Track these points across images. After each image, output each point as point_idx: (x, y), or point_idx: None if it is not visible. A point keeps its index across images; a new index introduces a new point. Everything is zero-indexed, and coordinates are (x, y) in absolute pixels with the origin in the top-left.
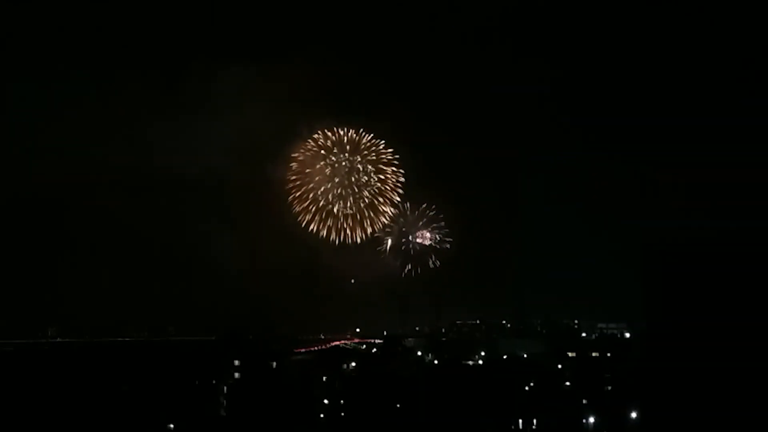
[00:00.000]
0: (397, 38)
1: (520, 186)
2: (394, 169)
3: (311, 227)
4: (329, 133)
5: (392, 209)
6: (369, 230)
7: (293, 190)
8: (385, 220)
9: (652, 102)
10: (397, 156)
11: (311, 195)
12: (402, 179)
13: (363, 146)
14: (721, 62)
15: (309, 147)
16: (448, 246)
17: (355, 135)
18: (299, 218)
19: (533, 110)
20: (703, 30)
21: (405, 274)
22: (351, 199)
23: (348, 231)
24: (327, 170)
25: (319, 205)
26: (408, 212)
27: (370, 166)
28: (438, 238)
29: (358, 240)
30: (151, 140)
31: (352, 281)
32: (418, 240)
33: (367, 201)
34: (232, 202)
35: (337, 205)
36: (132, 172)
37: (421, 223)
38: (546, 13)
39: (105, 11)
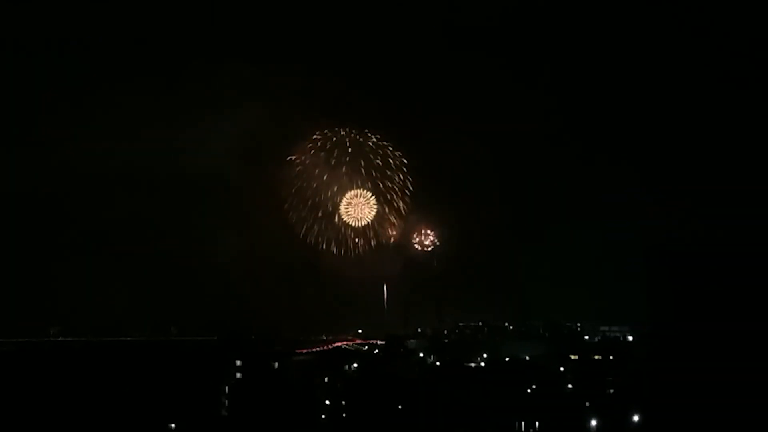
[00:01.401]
0: (397, 38)
1: (523, 188)
2: (401, 175)
3: (309, 239)
4: (329, 133)
5: (397, 219)
6: (373, 242)
7: (291, 198)
8: (390, 233)
9: (653, 102)
10: (404, 161)
11: (309, 202)
12: (411, 187)
13: (368, 149)
14: (725, 65)
15: (309, 149)
16: (438, 243)
17: (359, 137)
18: (297, 228)
19: (535, 110)
20: (702, 32)
21: (407, 276)
22: (352, 210)
23: (349, 242)
24: (325, 176)
25: (318, 215)
26: (409, 215)
27: (374, 172)
28: (437, 242)
29: (361, 252)
30: (152, 140)
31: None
32: (417, 247)
33: (373, 210)
34: (233, 202)
35: (336, 216)
36: (133, 172)
37: (420, 229)
38: (547, 13)
39: (107, 11)
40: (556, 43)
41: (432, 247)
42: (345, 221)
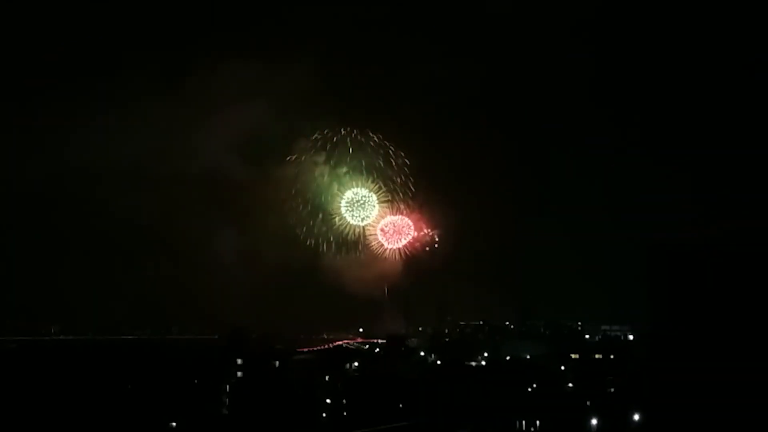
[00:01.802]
0: (399, 35)
1: (526, 187)
2: (403, 176)
3: (309, 241)
4: (330, 133)
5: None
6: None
7: (291, 199)
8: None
9: (658, 99)
10: (406, 161)
11: (309, 206)
12: (412, 188)
13: (369, 149)
14: (727, 66)
15: (309, 149)
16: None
17: (360, 137)
18: (297, 228)
19: (538, 109)
20: (703, 32)
21: (408, 275)
22: (352, 214)
23: (350, 242)
24: (325, 176)
25: (319, 217)
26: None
27: (375, 173)
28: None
29: (362, 251)
30: (153, 138)
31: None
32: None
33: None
34: (234, 201)
35: (337, 218)
36: (134, 171)
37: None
38: (550, 11)
39: (108, 7)
40: (558, 42)
41: (433, 246)
42: (343, 225)
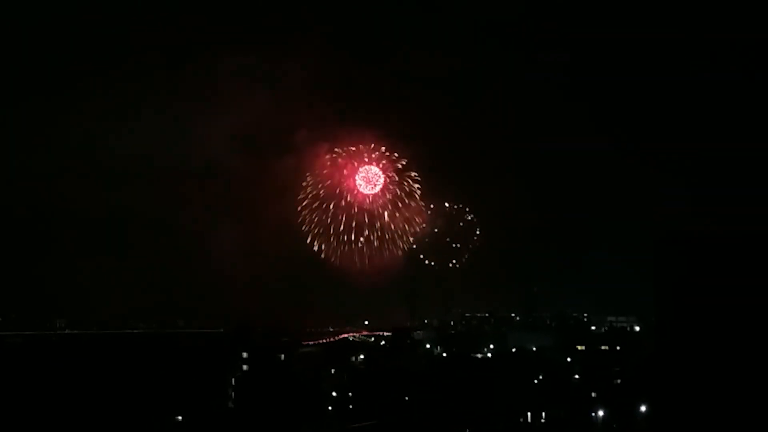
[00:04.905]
0: (402, 31)
1: (531, 178)
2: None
3: (314, 241)
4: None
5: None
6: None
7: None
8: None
9: (661, 90)
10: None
11: (314, 206)
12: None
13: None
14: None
15: (311, 144)
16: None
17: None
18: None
19: (543, 105)
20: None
21: (414, 267)
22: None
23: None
24: (325, 171)
25: (324, 207)
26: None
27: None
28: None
29: (366, 244)
30: (159, 132)
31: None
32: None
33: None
34: (238, 193)
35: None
36: (137, 163)
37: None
38: (558, 7)
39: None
40: (562, 40)
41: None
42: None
